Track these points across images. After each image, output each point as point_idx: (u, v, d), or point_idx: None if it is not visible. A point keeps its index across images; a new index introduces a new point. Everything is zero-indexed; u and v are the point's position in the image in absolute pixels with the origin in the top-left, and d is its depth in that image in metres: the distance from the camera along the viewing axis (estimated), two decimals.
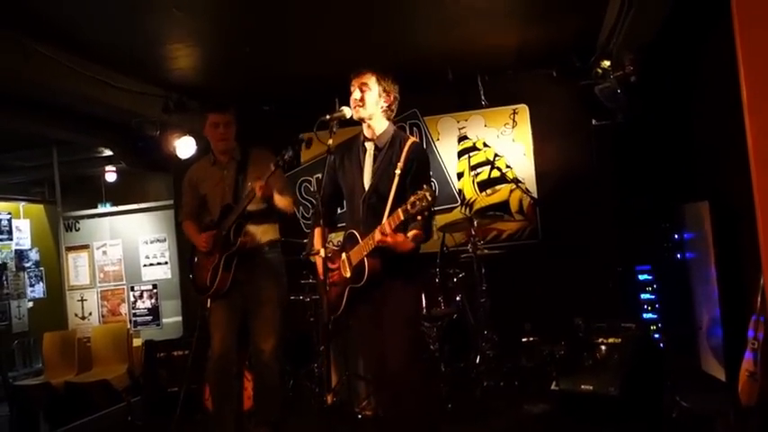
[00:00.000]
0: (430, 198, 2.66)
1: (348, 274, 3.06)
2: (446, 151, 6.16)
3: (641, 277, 5.10)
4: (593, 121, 5.47)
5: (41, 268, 9.19)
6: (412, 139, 3.12)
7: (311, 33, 4.89)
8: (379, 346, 3.06)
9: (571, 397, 3.94)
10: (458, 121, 6.18)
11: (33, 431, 5.92)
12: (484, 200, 6.05)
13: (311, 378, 5.08)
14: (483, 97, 6.00)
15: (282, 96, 6.31)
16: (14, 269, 8.79)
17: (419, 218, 2.77)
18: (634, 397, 3.72)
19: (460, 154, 6.13)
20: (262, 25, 4.63)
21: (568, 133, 5.90)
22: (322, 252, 2.96)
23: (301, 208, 6.52)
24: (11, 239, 8.95)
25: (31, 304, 9.01)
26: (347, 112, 3.13)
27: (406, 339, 3.01)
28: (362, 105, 3.10)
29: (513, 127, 6.04)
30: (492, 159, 5.96)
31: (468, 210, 6.02)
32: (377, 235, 2.86)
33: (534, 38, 5.36)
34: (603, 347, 3.95)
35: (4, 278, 8.31)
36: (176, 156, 5.86)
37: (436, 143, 6.16)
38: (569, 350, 4.33)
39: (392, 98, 3.16)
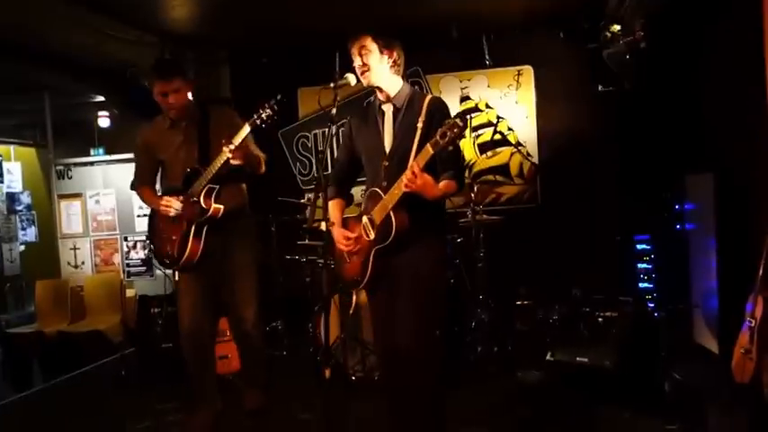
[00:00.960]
0: (461, 123, 2.47)
1: (373, 236, 2.90)
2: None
3: (639, 247, 5.07)
4: (600, 87, 5.35)
5: (33, 212, 9.11)
6: (430, 95, 3.00)
7: None
8: (392, 321, 2.92)
9: (566, 368, 3.96)
10: (460, 81, 6.05)
11: (26, 378, 5.92)
12: (484, 162, 5.98)
13: (305, 337, 5.09)
14: (487, 57, 5.87)
15: (280, 49, 6.14)
16: (5, 212, 8.72)
17: (451, 148, 2.57)
18: (629, 371, 3.74)
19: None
20: None
21: (573, 97, 5.79)
22: (336, 223, 2.85)
23: (298, 164, 6.43)
24: (2, 182, 8.84)
25: (22, 248, 8.96)
26: (352, 79, 3.01)
27: (423, 312, 2.86)
28: (368, 69, 2.95)
29: (517, 88, 5.92)
30: (495, 121, 5.87)
31: (467, 171, 5.94)
32: (405, 176, 2.65)
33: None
34: (601, 320, 3.95)
35: None
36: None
37: None
38: (565, 320, 4.32)
39: (395, 53, 2.99)
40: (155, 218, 3.74)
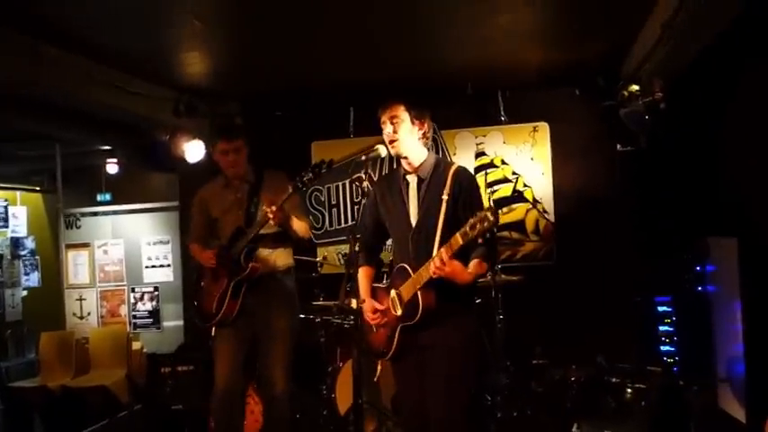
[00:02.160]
0: (492, 218, 2.45)
1: (399, 312, 2.86)
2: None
3: (660, 309, 4.98)
4: (618, 146, 5.33)
5: (37, 257, 9.01)
6: (456, 165, 2.97)
7: (328, 43, 4.70)
8: (420, 390, 2.89)
9: None
10: (476, 137, 6.02)
11: None
12: (499, 218, 5.90)
13: (319, 399, 4.96)
14: (503, 113, 5.86)
15: (295, 102, 6.13)
16: (9, 257, 8.63)
17: (480, 241, 2.54)
18: None
19: (477, 170, 5.97)
20: (279, 35, 4.46)
21: (589, 154, 5.76)
22: (364, 294, 2.79)
23: (311, 218, 6.36)
24: (6, 227, 8.77)
25: (25, 293, 8.85)
26: (382, 150, 2.99)
27: (453, 383, 2.80)
28: (397, 140, 2.95)
29: (533, 145, 5.89)
30: (510, 178, 5.83)
31: None
32: (433, 263, 2.64)
33: (559, 57, 5.23)
34: (629, 391, 3.84)
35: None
36: (185, 159, 5.71)
37: (453, 158, 6.01)
38: (589, 388, 4.20)
39: (426, 125, 3.00)
40: (200, 274, 3.85)
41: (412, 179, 3.00)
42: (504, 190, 5.93)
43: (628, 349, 5.04)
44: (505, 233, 5.88)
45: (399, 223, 2.99)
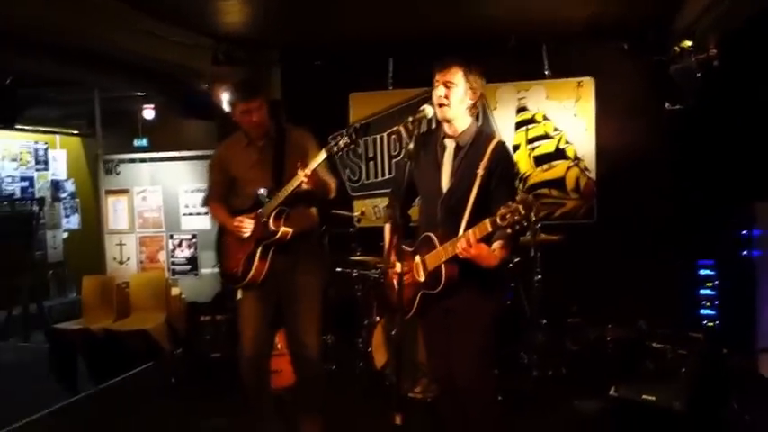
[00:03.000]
0: (523, 212, 2.42)
1: (422, 278, 2.88)
2: (503, 122, 5.90)
3: (702, 272, 4.91)
4: (667, 105, 5.16)
5: (76, 200, 9.20)
6: (497, 139, 2.90)
7: None
8: (447, 353, 2.94)
9: (628, 403, 3.82)
10: (518, 91, 5.88)
11: (72, 374, 5.96)
12: (539, 175, 5.83)
13: (355, 352, 5.03)
14: (546, 67, 5.69)
15: (333, 52, 6.03)
16: (50, 199, 8.81)
17: (509, 231, 2.51)
18: (699, 413, 3.60)
19: (518, 125, 5.87)
20: None
21: (635, 112, 5.59)
22: (398, 267, 2.77)
23: (348, 171, 6.33)
24: (47, 169, 8.93)
25: (66, 235, 9.06)
26: (429, 111, 2.90)
27: (477, 352, 2.87)
28: (447, 105, 2.85)
29: (577, 101, 5.74)
30: (552, 134, 5.71)
31: (522, 184, 5.79)
32: (459, 244, 2.65)
33: (608, 10, 5.02)
34: (669, 357, 3.80)
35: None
36: (223, 107, 5.69)
37: (493, 112, 5.89)
38: (628, 351, 4.18)
39: (478, 95, 2.91)
40: (223, 235, 3.73)
41: (450, 144, 2.95)
42: (546, 146, 5.81)
43: (667, 312, 4.97)
44: (545, 190, 5.80)
45: (430, 186, 2.96)
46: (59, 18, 4.24)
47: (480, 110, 5.65)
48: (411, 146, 2.86)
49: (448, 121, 2.92)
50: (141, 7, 4.71)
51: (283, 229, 3.45)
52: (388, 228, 3.18)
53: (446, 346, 2.95)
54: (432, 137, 3.05)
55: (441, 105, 2.88)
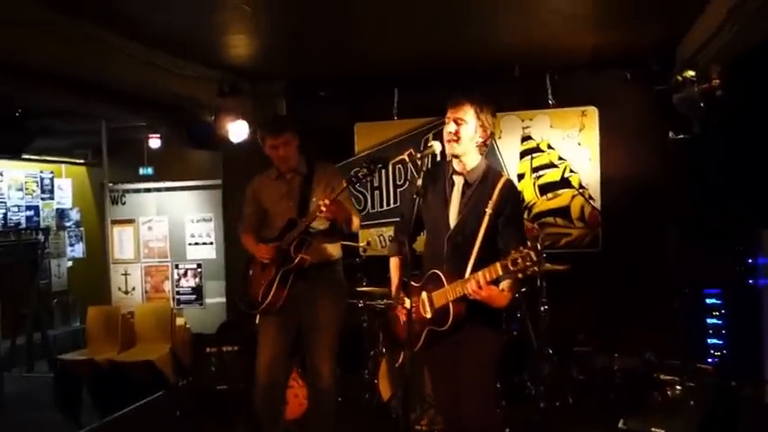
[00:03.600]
0: (535, 259, 2.47)
1: (428, 315, 2.90)
2: (507, 151, 5.92)
3: (709, 301, 4.88)
4: (670, 134, 5.18)
5: (81, 228, 9.22)
6: (505, 177, 2.94)
7: (375, 24, 4.63)
8: (454, 388, 2.94)
9: None
10: (522, 120, 5.91)
11: (77, 405, 5.94)
12: (544, 204, 5.84)
13: (361, 383, 5.00)
14: (550, 96, 5.73)
15: (338, 82, 6.08)
16: (55, 228, 8.83)
17: (519, 276, 2.59)
18: None
19: (523, 155, 5.90)
20: (325, 17, 4.41)
21: (639, 140, 5.61)
22: (407, 303, 2.77)
23: (353, 200, 6.32)
24: (52, 198, 8.96)
25: (70, 263, 9.07)
26: (437, 147, 2.94)
27: (484, 386, 2.90)
28: (457, 141, 2.89)
29: (581, 130, 5.76)
30: (556, 163, 5.73)
31: (527, 213, 5.80)
32: (469, 286, 2.68)
33: (611, 40, 5.08)
34: (678, 389, 3.78)
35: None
36: (228, 139, 5.73)
37: (497, 142, 5.91)
38: (636, 383, 4.15)
39: (488, 133, 2.95)
40: (250, 263, 3.86)
41: (458, 180, 2.97)
42: (550, 175, 5.83)
43: (674, 341, 4.96)
44: (550, 219, 5.81)
45: (437, 220, 2.98)
46: (68, 52, 4.30)
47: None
48: (419, 182, 2.89)
49: (457, 158, 2.94)
50: (148, 41, 4.77)
51: (301, 256, 3.58)
52: (394, 262, 3.22)
53: (452, 378, 2.96)
54: (440, 170, 3.07)
55: (450, 141, 2.91)
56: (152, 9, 4.14)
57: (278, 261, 3.63)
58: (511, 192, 2.89)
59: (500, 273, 2.60)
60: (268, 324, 3.74)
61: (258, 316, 3.81)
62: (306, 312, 3.71)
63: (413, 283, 2.98)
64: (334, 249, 3.83)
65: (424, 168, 2.96)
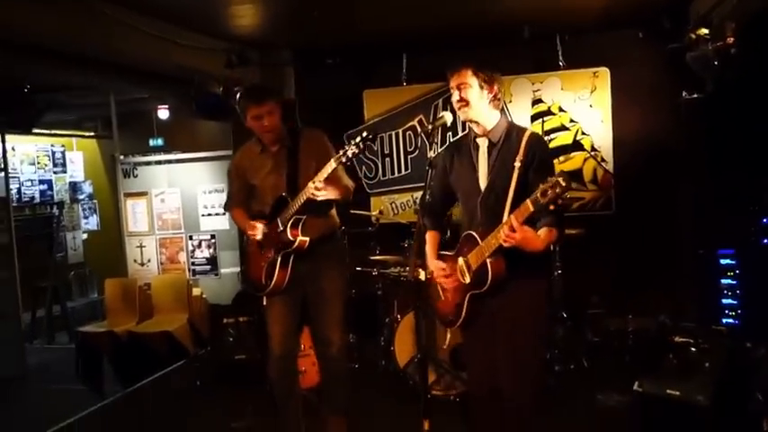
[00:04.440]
0: (564, 184, 2.34)
1: (468, 280, 2.82)
2: (519, 114, 5.86)
3: (723, 261, 4.86)
4: (684, 94, 5.10)
5: (95, 201, 9.28)
6: (530, 131, 2.88)
7: None
8: (491, 358, 2.88)
9: (653, 399, 3.82)
10: (532, 83, 5.85)
11: (99, 376, 6.06)
12: (556, 167, 5.76)
13: (377, 350, 5.06)
14: (561, 58, 5.64)
15: (346, 50, 6.02)
16: (68, 201, 8.89)
17: (552, 207, 2.41)
18: (723, 408, 3.59)
19: (534, 118, 5.84)
20: None
21: (652, 101, 5.55)
22: (422, 275, 2.77)
23: (364, 168, 6.33)
24: (65, 172, 9.01)
25: (85, 236, 9.16)
26: (448, 117, 2.91)
27: (525, 361, 2.82)
28: (466, 105, 2.83)
29: (592, 91, 5.69)
30: (568, 125, 5.67)
31: None
32: (502, 231, 2.57)
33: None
34: (693, 351, 3.79)
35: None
36: (237, 109, 5.70)
37: (508, 105, 5.84)
38: (651, 346, 4.17)
39: (495, 87, 2.87)
40: (247, 241, 3.80)
41: (482, 142, 2.92)
42: (562, 138, 5.78)
43: (688, 302, 4.98)
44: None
45: (469, 187, 2.93)
46: (73, 27, 4.27)
47: None
48: (431, 154, 2.85)
49: (474, 122, 2.90)
50: (154, 13, 4.73)
51: (300, 238, 3.48)
52: (428, 236, 3.14)
53: (487, 350, 2.90)
54: (463, 141, 3.05)
55: (460, 108, 2.87)
56: None
57: (276, 243, 3.55)
58: (538, 143, 2.83)
59: (531, 209, 2.46)
60: (275, 302, 3.70)
61: (264, 297, 3.76)
62: (311, 286, 3.67)
63: (446, 252, 2.98)
64: (331, 220, 3.75)
65: (437, 141, 2.90)
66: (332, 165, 3.23)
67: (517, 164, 2.73)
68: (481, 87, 2.84)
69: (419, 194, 6.00)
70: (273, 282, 3.55)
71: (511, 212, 2.62)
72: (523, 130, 2.90)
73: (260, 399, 4.35)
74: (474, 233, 2.80)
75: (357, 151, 3.18)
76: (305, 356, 4.56)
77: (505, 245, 2.59)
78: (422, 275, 2.77)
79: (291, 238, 3.48)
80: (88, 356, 6.19)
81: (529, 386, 2.84)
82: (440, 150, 3.10)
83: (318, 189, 3.28)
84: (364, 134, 3.13)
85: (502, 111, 2.96)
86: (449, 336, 3.34)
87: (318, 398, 4.08)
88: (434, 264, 3.00)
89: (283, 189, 3.56)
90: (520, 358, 2.80)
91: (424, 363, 3.00)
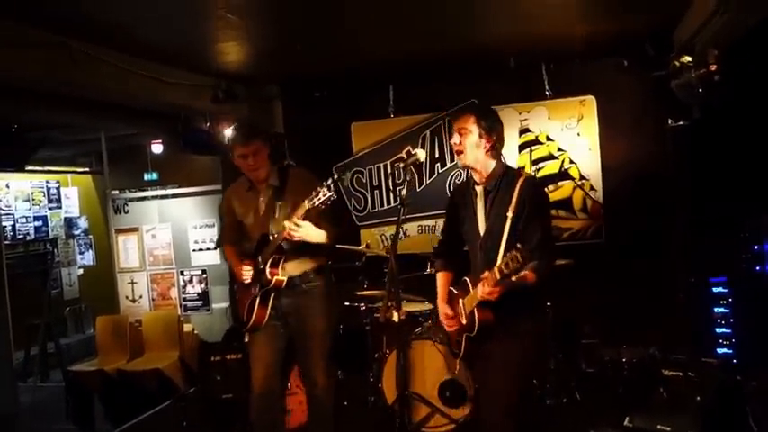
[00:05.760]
0: (520, 260, 2.51)
1: (464, 321, 2.99)
2: (506, 144, 5.54)
3: (715, 290, 4.81)
4: (670, 122, 5.09)
5: (90, 236, 9.27)
6: (524, 177, 2.95)
7: (365, 21, 4.53)
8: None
9: None
10: (519, 113, 5.84)
11: (89, 415, 6.00)
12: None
13: (366, 386, 4.99)
14: (547, 87, 5.65)
15: (333, 82, 6.04)
16: (63, 237, 8.88)
17: (514, 278, 2.62)
18: None
19: (521, 148, 5.83)
20: (313, 17, 4.33)
21: (639, 129, 5.53)
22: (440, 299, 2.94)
23: (353, 200, 6.30)
24: (60, 207, 9.01)
25: (81, 271, 9.13)
26: (421, 155, 2.97)
27: (504, 395, 2.89)
28: (462, 151, 2.98)
29: (579, 120, 5.68)
30: (556, 154, 5.65)
31: None
32: (479, 291, 2.76)
33: (606, 28, 4.98)
34: (683, 384, 3.73)
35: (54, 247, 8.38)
36: (226, 144, 5.71)
37: None
38: (641, 379, 4.11)
39: (494, 138, 2.98)
40: (234, 278, 3.88)
41: (479, 190, 3.05)
42: (550, 167, 5.76)
43: (681, 332, 4.90)
44: (552, 211, 5.72)
45: (471, 232, 3.08)
46: (60, 70, 4.29)
47: None
48: (404, 192, 2.91)
49: (470, 168, 3.04)
50: (140, 54, 4.76)
51: (277, 278, 3.52)
52: (439, 277, 3.33)
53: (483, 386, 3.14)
54: (467, 185, 3.16)
55: (457, 153, 3.01)
56: (141, 23, 4.12)
57: (256, 280, 3.59)
58: (528, 190, 2.90)
59: (497, 277, 2.62)
60: (257, 340, 3.70)
61: (247, 334, 3.77)
62: (293, 323, 3.68)
63: (454, 290, 3.13)
64: (314, 261, 3.72)
65: (408, 179, 2.98)
66: (305, 206, 3.26)
67: (509, 214, 2.86)
68: (480, 137, 2.96)
69: (409, 226, 6.01)
70: (253, 318, 3.58)
71: (504, 256, 2.74)
72: (518, 176, 2.97)
73: None
74: (467, 280, 3.00)
75: (328, 193, 3.17)
76: (292, 395, 4.51)
77: (491, 299, 2.74)
78: (395, 317, 2.76)
79: (269, 278, 3.51)
80: (79, 396, 6.12)
81: (508, 411, 2.90)
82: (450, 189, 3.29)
83: (293, 229, 3.30)
84: (335, 176, 3.15)
85: (499, 155, 3.04)
86: (458, 366, 3.64)
87: None
88: (441, 307, 3.20)
89: (267, 229, 3.60)
90: (496, 398, 2.90)
91: (403, 400, 3.01)
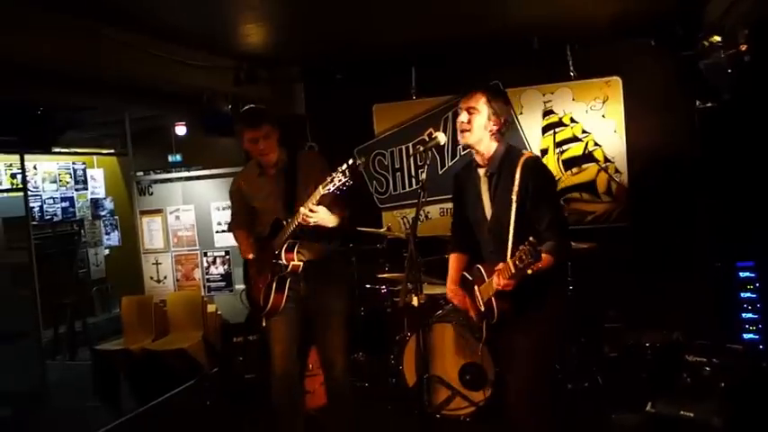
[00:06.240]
0: (531, 256, 2.46)
1: (482, 308, 2.97)
2: (529, 126, 5.78)
3: (742, 274, 4.73)
4: (698, 103, 4.98)
5: (116, 217, 9.38)
6: (525, 157, 2.89)
7: (389, 1, 4.46)
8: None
9: (667, 420, 3.71)
10: (543, 94, 5.75)
11: (116, 393, 6.11)
12: (569, 179, 5.69)
13: (387, 368, 5.01)
14: (572, 68, 5.53)
15: (355, 64, 5.99)
16: (90, 218, 9.01)
17: (528, 272, 2.54)
18: (739, 429, 3.48)
19: (545, 129, 5.75)
20: None
21: (666, 110, 5.40)
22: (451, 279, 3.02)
23: (375, 183, 6.29)
24: (86, 189, 9.13)
25: (107, 252, 9.26)
26: (442, 138, 2.92)
27: (530, 387, 2.88)
28: (469, 130, 2.89)
29: (604, 101, 5.58)
30: (580, 136, 5.57)
31: None
32: (494, 283, 2.73)
33: (633, 7, 4.87)
34: (707, 370, 3.68)
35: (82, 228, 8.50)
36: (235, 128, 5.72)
37: (519, 117, 5.76)
38: (665, 364, 4.06)
39: (502, 121, 2.92)
40: (248, 264, 3.84)
41: (482, 173, 3.00)
42: (574, 149, 5.67)
43: (706, 317, 4.83)
44: (576, 194, 5.67)
45: (477, 216, 3.03)
46: (84, 53, 4.33)
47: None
48: (423, 175, 2.87)
49: (472, 149, 2.96)
50: (163, 37, 4.77)
51: (293, 263, 3.51)
52: (451, 258, 3.33)
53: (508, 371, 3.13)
54: (472, 168, 3.10)
55: (462, 131, 2.92)
56: (166, 7, 4.14)
57: (272, 266, 3.57)
58: (531, 170, 2.85)
59: (512, 270, 2.58)
60: (275, 322, 3.71)
61: (264, 318, 3.78)
62: (310, 307, 3.70)
63: (468, 276, 3.10)
64: (328, 243, 3.72)
65: (427, 163, 2.94)
66: (320, 191, 3.23)
67: (513, 196, 2.80)
68: (488, 118, 2.89)
69: (430, 209, 5.99)
70: (270, 304, 3.59)
71: (513, 243, 2.74)
72: (519, 156, 2.90)
73: (268, 418, 4.31)
74: (481, 268, 2.95)
75: (344, 179, 3.12)
76: (312, 376, 4.55)
77: (506, 290, 2.71)
78: (414, 301, 2.75)
79: (285, 262, 3.50)
80: (105, 374, 6.24)
81: (533, 412, 2.88)
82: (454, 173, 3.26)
83: (308, 215, 3.29)
84: (350, 161, 3.10)
85: (502, 137, 2.96)
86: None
87: (325, 418, 4.06)
88: (449, 288, 3.22)
89: (280, 212, 3.59)
90: (530, 383, 2.88)
91: (422, 384, 3.00)
